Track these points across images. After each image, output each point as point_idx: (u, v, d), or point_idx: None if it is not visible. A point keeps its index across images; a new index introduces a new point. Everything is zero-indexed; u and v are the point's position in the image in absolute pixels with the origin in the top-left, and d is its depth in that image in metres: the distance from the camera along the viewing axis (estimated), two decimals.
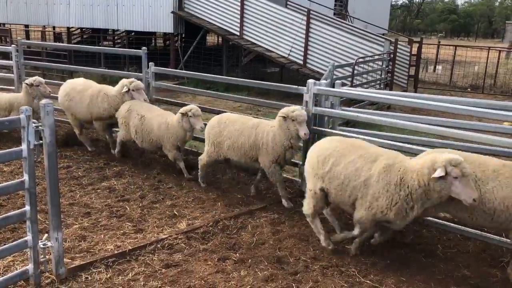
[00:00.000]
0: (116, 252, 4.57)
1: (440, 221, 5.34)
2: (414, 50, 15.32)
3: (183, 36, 18.80)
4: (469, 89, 17.90)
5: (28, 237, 3.81)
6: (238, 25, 15.56)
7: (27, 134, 3.59)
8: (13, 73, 9.43)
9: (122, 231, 5.08)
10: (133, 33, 19.47)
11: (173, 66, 16.38)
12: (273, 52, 15.22)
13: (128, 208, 5.70)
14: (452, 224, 5.19)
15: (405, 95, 6.43)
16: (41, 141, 3.69)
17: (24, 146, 3.62)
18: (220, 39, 21.99)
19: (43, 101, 3.73)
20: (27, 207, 3.74)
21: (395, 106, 12.05)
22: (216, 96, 8.18)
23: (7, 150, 3.70)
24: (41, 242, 3.90)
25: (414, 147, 5.28)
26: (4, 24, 20.27)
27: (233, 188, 6.48)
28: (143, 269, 4.36)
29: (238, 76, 15.93)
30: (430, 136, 5.82)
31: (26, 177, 3.68)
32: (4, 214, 4.68)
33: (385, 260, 4.71)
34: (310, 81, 5.96)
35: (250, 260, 4.56)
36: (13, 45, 9.60)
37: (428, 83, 18.58)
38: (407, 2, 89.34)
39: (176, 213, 5.62)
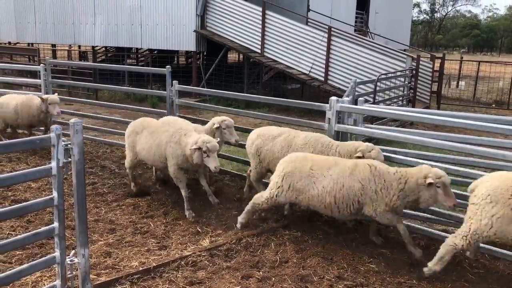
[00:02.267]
0: (141, 268, 4.60)
1: None
2: (437, 66, 15.22)
3: (205, 54, 19.07)
4: (493, 105, 17.62)
5: (56, 253, 3.86)
6: (260, 43, 15.70)
7: (57, 152, 3.66)
8: (41, 91, 9.72)
9: (146, 248, 5.13)
10: (156, 51, 19.85)
11: (195, 83, 16.58)
12: (294, 69, 15.30)
13: (152, 225, 5.76)
14: (480, 244, 5.08)
15: (428, 112, 6.38)
16: (69, 159, 3.77)
17: (53, 164, 3.68)
18: (241, 56, 22.22)
19: (72, 120, 3.82)
20: (56, 224, 3.80)
21: (418, 123, 11.94)
22: (238, 113, 8.23)
23: (37, 168, 3.78)
24: (69, 258, 3.95)
25: (438, 164, 5.21)
26: (32, 44, 20.92)
27: None
28: (167, 286, 4.38)
29: (259, 92, 16.02)
30: (453, 153, 5.75)
31: (55, 194, 3.74)
32: (32, 229, 4.79)
33: (411, 280, 4.63)
34: (333, 98, 5.96)
35: (273, 279, 4.54)
36: (41, 64, 9.91)
37: (451, 99, 18.38)
38: (428, 17, 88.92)
39: (199, 229, 5.65)
